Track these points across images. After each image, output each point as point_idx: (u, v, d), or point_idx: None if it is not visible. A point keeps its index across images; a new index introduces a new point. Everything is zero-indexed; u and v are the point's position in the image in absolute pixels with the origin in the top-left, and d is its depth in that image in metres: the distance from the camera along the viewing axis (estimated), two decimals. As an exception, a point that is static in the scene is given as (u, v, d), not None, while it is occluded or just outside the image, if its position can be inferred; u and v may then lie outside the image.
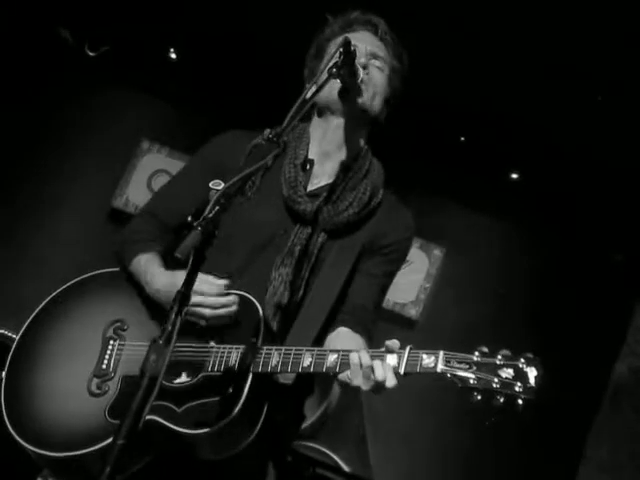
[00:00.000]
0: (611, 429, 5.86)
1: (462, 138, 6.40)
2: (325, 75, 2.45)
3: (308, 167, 2.69)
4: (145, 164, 6.99)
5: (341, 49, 2.44)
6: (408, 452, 6.35)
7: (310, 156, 2.72)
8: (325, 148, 2.71)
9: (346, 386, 2.33)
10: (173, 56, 6.89)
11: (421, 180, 6.39)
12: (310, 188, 2.68)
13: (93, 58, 6.91)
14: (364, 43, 2.68)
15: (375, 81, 2.68)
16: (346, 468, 5.36)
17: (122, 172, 6.98)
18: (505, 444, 6.18)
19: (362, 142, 2.77)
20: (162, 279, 2.57)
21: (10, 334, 4.22)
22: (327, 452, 5.36)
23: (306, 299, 2.61)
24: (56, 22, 6.74)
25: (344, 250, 2.66)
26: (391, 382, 2.26)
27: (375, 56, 2.72)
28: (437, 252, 6.63)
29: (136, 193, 6.80)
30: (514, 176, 6.56)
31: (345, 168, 2.71)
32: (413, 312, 6.58)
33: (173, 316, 2.02)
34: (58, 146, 6.99)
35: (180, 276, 2.14)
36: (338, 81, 2.52)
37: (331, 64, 2.45)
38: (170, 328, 2.01)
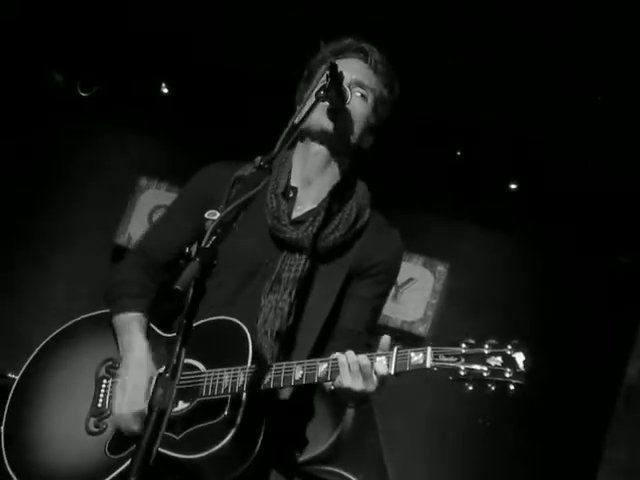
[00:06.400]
0: (627, 432, 5.83)
1: (458, 153, 6.42)
2: (313, 99, 2.45)
3: (291, 194, 2.68)
4: (145, 200, 7.02)
5: (327, 72, 2.45)
6: (424, 466, 6.33)
7: (293, 183, 2.70)
8: (306, 174, 2.70)
9: (341, 393, 2.35)
10: (165, 91, 6.94)
11: (418, 197, 6.40)
12: (295, 215, 2.66)
13: (86, 98, 6.95)
14: (349, 71, 2.63)
15: (355, 110, 2.65)
16: (367, 489, 5.35)
17: (123, 210, 7.01)
18: (523, 450, 6.15)
19: (345, 167, 2.73)
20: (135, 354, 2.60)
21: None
22: (347, 475, 5.34)
23: (296, 325, 2.60)
24: (47, 65, 6.79)
25: (332, 274, 2.64)
26: (382, 371, 2.29)
27: (359, 84, 2.68)
28: (441, 268, 6.62)
29: (138, 230, 6.81)
30: (513, 186, 6.56)
31: (329, 193, 2.68)
32: (421, 329, 6.56)
33: (177, 349, 2.02)
34: (58, 188, 7.03)
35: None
36: (327, 103, 2.53)
37: (318, 87, 2.46)
38: (175, 361, 2.01)
